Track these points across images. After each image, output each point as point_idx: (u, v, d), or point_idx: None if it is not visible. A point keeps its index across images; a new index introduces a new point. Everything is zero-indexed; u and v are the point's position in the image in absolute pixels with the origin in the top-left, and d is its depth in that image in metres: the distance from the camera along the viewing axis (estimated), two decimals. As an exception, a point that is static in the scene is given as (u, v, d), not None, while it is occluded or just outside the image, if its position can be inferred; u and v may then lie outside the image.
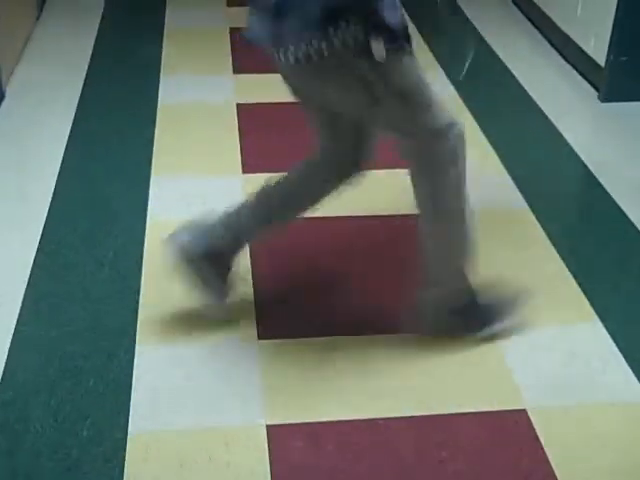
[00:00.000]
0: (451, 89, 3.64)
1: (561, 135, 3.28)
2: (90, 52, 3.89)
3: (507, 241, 2.65)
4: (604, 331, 2.30)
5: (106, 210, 2.79)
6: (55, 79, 3.66)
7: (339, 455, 1.92)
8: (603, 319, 2.34)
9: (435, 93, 1.99)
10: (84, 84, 3.60)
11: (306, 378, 2.13)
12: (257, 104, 3.47)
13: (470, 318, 2.22)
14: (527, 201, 2.85)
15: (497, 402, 2.07)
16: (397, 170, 2.97)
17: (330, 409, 2.04)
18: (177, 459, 1.90)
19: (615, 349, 2.24)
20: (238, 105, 3.47)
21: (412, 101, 1.95)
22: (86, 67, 3.74)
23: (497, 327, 2.24)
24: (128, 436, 1.95)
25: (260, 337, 2.25)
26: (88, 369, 2.14)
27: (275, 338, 2.25)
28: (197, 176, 2.99)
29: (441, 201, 2.06)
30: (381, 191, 2.86)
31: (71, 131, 3.23)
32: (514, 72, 3.74)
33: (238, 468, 1.88)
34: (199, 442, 1.94)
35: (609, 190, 2.92)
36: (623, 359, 2.20)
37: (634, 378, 2.15)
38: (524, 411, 2.04)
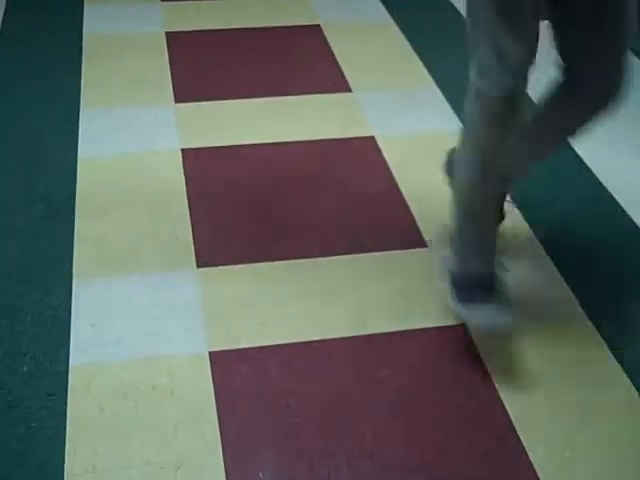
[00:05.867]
0: (382, 10, 3.62)
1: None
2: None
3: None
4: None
5: (36, 145, 2.72)
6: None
7: (283, 378, 1.94)
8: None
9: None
10: (3, 17, 3.47)
11: (246, 304, 2.14)
12: (186, 32, 3.38)
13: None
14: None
15: (433, 319, 2.11)
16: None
17: (270, 334, 2.06)
18: (121, 389, 1.90)
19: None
20: (167, 34, 3.38)
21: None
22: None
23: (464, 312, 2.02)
24: (70, 369, 1.94)
25: (199, 265, 2.25)
26: (25, 306, 2.11)
27: (214, 265, 2.25)
28: (128, 107, 2.92)
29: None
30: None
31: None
32: (445, -8, 3.71)
33: (182, 395, 1.89)
34: (142, 372, 1.94)
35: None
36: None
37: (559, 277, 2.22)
38: (461, 324, 2.09)
